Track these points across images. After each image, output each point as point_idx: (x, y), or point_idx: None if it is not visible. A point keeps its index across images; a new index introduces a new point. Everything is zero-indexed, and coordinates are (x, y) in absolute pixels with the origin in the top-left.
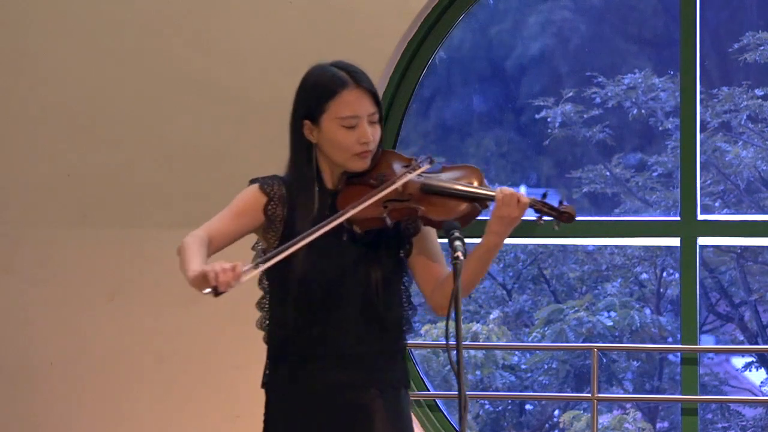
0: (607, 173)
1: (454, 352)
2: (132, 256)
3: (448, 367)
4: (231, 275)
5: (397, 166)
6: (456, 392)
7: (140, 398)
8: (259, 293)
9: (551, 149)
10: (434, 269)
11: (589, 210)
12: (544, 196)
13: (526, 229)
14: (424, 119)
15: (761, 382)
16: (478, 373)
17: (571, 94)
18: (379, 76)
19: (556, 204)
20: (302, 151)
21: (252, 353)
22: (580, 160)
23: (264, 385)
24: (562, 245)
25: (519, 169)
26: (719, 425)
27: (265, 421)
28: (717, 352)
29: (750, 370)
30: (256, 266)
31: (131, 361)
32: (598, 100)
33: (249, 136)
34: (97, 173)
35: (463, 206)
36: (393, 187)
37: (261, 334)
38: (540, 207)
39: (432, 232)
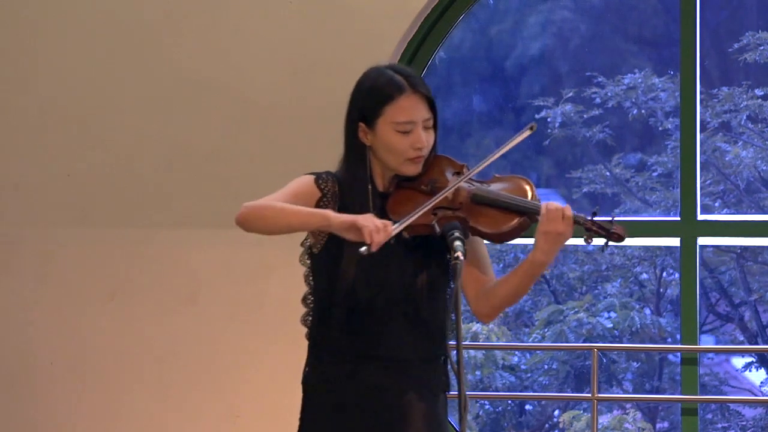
0: (607, 173)
1: (454, 352)
2: (132, 256)
3: (448, 367)
4: (383, 236)
5: (449, 172)
6: (456, 392)
7: (140, 398)
8: (301, 289)
9: (551, 149)
10: (480, 276)
11: (589, 210)
12: (594, 214)
13: (526, 231)
14: None
15: (761, 382)
16: (478, 373)
17: (571, 94)
18: None
19: (606, 224)
20: (356, 152)
21: (252, 353)
22: (580, 160)
23: (303, 381)
24: None
25: (519, 169)
26: (719, 425)
27: (301, 419)
28: (717, 352)
29: (750, 370)
30: (401, 224)
31: (131, 361)
32: (598, 100)
33: (249, 136)
34: (97, 173)
35: (514, 220)
36: (443, 194)
37: (261, 333)
38: (590, 226)
39: (479, 239)
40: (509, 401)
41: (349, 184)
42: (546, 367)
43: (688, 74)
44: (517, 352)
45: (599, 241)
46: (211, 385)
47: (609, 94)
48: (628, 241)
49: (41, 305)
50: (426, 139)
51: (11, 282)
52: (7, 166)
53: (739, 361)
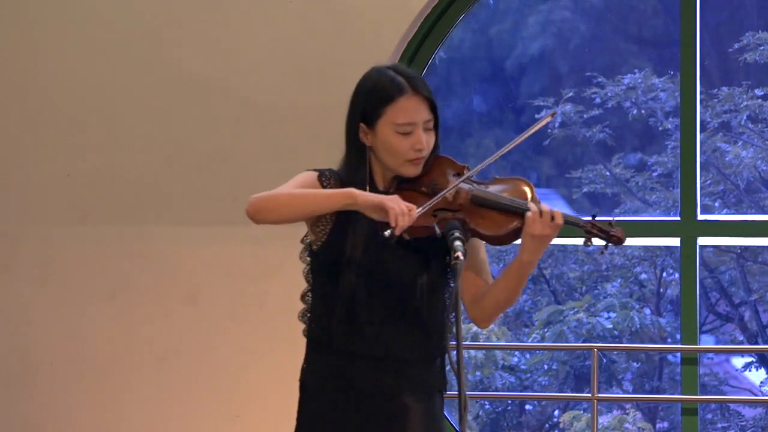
0: (607, 173)
1: (454, 352)
2: (132, 256)
3: (449, 367)
4: (408, 220)
5: (450, 174)
6: (456, 392)
7: (140, 398)
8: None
9: (551, 149)
10: (477, 280)
11: (589, 210)
12: (594, 216)
13: None
14: None
15: (761, 382)
16: (478, 373)
17: (571, 94)
18: None
19: (606, 226)
20: (356, 152)
21: (252, 353)
22: (580, 160)
23: (301, 380)
24: (562, 245)
25: (519, 169)
26: (719, 425)
27: (299, 418)
28: (717, 352)
29: (750, 370)
30: (425, 208)
31: (131, 361)
32: (597, 100)
33: (249, 136)
34: (97, 173)
35: (514, 222)
36: (442, 195)
37: (261, 333)
38: (590, 228)
39: (480, 242)
40: (509, 401)
41: (350, 184)
42: (546, 367)
43: (688, 74)
44: (516, 353)
45: (599, 243)
46: (211, 384)
47: (609, 94)
48: (628, 241)
49: (41, 305)
50: (426, 140)
51: (11, 282)
52: (7, 166)
53: (739, 361)
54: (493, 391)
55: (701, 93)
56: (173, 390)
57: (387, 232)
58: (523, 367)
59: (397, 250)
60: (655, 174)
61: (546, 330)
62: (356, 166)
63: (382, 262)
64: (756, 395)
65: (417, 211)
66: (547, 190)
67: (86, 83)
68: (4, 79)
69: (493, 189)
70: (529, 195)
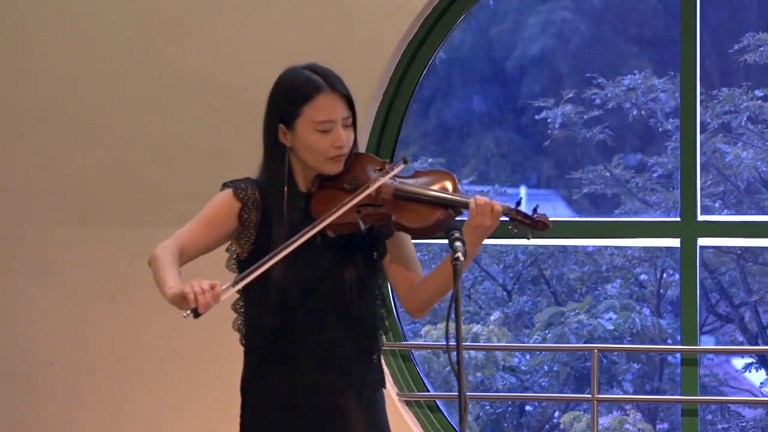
0: (607, 174)
1: (455, 353)
2: (132, 256)
3: (449, 367)
4: (210, 296)
5: (371, 170)
6: (456, 393)
7: (140, 398)
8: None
9: (551, 150)
10: (408, 274)
11: (589, 211)
12: (518, 203)
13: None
14: (424, 119)
15: (761, 383)
16: (478, 374)
17: (571, 95)
18: (379, 77)
19: (530, 212)
20: (276, 154)
21: None
22: (580, 161)
23: (242, 386)
24: (563, 246)
25: (519, 170)
26: (719, 426)
27: (242, 424)
28: (717, 352)
29: (750, 371)
30: (234, 284)
31: (131, 362)
32: (598, 101)
33: (249, 136)
34: (97, 173)
35: (437, 213)
36: (366, 193)
37: None
38: (514, 215)
39: (406, 236)
40: (509, 402)
41: (270, 189)
42: (546, 368)
43: (688, 75)
44: (517, 354)
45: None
46: (211, 385)
47: (609, 95)
48: (629, 242)
49: (41, 305)
50: (346, 137)
51: (11, 282)
52: (7, 166)
53: (739, 362)
54: (493, 392)
55: (701, 94)
56: (173, 390)
57: (185, 314)
58: (523, 368)
59: (323, 249)
60: (655, 175)
61: (547, 331)
62: (276, 169)
63: (310, 262)
64: (756, 396)
65: (223, 287)
66: (547, 191)
67: (86, 83)
68: (4, 79)
69: (417, 182)
70: (451, 187)
